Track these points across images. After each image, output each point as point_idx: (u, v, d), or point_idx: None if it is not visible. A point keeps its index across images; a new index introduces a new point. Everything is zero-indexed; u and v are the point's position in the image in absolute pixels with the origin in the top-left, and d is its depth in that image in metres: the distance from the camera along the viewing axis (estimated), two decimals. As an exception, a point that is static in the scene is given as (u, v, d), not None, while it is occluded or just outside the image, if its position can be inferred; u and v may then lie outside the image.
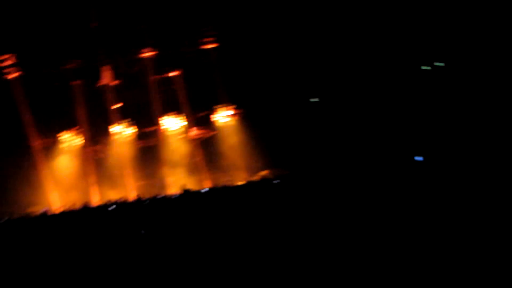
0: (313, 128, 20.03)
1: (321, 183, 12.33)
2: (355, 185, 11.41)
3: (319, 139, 19.78)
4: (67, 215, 13.91)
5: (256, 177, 18.06)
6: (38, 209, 15.14)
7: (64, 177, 20.24)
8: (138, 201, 14.55)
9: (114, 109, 21.35)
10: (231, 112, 21.26)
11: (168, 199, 13.90)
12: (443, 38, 18.94)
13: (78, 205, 14.64)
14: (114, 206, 14.23)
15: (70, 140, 21.16)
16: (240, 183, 16.56)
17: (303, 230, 10.10)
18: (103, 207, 14.45)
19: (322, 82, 20.59)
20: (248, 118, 21.24)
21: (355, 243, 8.48)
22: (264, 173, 18.46)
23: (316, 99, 20.74)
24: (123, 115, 21.39)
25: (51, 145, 20.92)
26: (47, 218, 13.98)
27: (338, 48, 19.91)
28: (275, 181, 14.51)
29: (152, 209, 13.12)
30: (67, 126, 21.18)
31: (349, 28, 19.79)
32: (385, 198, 10.56)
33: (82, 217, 13.31)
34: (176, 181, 20.10)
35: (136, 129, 21.37)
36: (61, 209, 15.08)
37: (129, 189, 19.83)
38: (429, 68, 19.41)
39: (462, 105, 18.40)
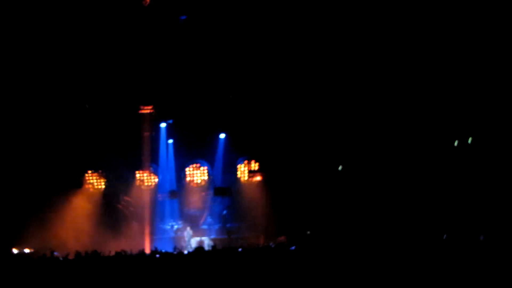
0: (336, 197, 19.61)
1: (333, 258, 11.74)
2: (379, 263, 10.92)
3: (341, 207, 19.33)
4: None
5: (272, 242, 17.56)
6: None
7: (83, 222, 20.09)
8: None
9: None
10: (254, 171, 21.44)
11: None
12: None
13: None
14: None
15: (95, 182, 21.36)
16: (256, 246, 16.02)
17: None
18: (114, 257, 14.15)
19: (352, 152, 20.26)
20: (270, 181, 21.13)
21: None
22: (281, 239, 17.91)
23: (341, 167, 20.40)
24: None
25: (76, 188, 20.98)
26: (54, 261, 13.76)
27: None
28: (291, 248, 14.00)
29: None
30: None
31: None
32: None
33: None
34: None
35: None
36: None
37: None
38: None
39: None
